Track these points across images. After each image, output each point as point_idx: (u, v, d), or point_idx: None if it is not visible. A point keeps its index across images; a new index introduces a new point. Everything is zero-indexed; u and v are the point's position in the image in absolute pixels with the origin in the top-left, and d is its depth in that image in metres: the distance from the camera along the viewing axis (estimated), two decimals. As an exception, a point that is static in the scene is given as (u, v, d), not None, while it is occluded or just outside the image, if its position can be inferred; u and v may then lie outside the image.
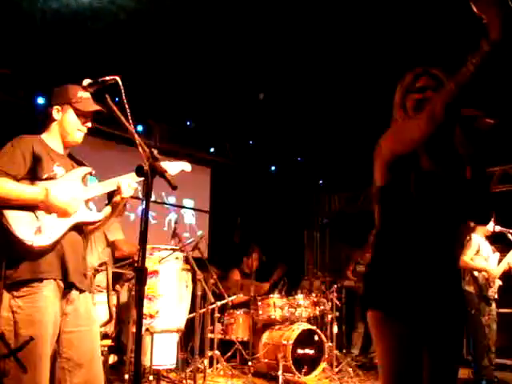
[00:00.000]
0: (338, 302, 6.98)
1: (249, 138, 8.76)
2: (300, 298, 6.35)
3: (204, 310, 5.58)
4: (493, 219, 6.20)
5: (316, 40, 5.82)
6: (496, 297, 6.23)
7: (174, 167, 2.80)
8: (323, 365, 5.97)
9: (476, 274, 6.09)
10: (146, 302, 4.42)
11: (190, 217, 8.30)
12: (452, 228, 1.98)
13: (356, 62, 6.03)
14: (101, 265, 4.37)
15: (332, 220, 9.96)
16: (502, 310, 6.89)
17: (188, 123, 7.98)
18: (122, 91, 2.01)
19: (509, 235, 6.13)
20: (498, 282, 6.25)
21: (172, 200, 8.07)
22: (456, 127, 1.96)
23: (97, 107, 2.61)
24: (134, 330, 4.28)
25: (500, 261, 6.28)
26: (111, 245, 4.96)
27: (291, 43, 5.93)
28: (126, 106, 2.00)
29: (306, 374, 5.73)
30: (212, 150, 8.50)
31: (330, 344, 6.38)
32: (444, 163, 1.96)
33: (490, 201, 2.04)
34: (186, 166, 2.89)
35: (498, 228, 6.23)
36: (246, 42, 5.96)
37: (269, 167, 9.16)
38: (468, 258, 5.93)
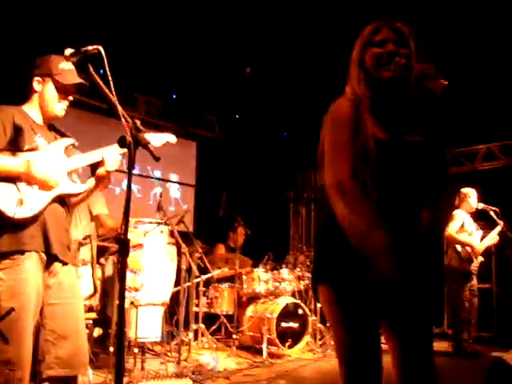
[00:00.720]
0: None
1: (235, 113, 8.70)
2: (284, 272, 6.40)
3: (189, 283, 5.60)
4: (477, 196, 6.28)
5: (301, 13, 5.77)
6: (476, 272, 6.33)
7: (158, 139, 2.77)
8: (307, 338, 6.05)
9: (459, 248, 6.17)
10: (130, 275, 4.43)
11: (175, 191, 8.27)
12: (409, 198, 1.84)
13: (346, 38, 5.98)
14: (85, 238, 4.34)
15: (317, 195, 10.00)
16: (480, 285, 7.01)
17: (174, 96, 7.89)
18: (106, 62, 1.97)
19: (491, 213, 6.19)
20: (480, 258, 6.34)
21: (157, 174, 8.03)
22: (409, 88, 1.86)
23: (78, 80, 2.56)
24: (117, 302, 4.29)
25: (483, 238, 6.37)
26: (95, 219, 4.93)
27: (277, 17, 5.87)
28: (110, 77, 1.95)
29: (290, 347, 5.80)
30: (198, 124, 8.43)
31: (314, 318, 6.46)
32: (395, 128, 1.83)
33: (445, 164, 1.94)
34: (170, 138, 2.86)
35: (481, 205, 6.30)
36: (233, 16, 5.88)
37: (255, 142, 9.12)
38: (453, 231, 5.99)
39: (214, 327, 6.27)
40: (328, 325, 1.99)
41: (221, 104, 8.20)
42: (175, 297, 5.19)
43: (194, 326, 5.61)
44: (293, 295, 6.48)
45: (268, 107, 8.15)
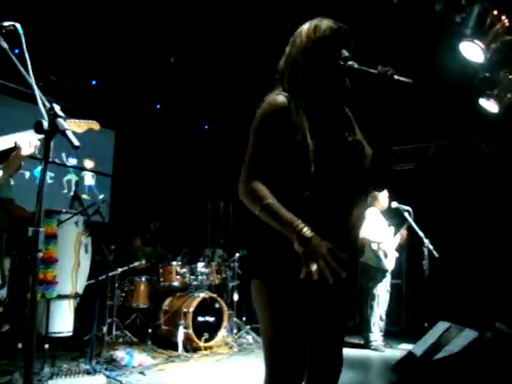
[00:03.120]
0: (239, 271, 7.06)
1: (156, 102, 8.53)
2: (201, 266, 6.36)
3: (104, 276, 5.42)
4: (388, 196, 6.53)
5: (226, 6, 5.74)
6: (392, 269, 6.58)
7: (80, 126, 2.64)
8: (223, 332, 6.04)
9: (374, 247, 6.38)
10: (42, 266, 4.21)
11: (91, 180, 7.99)
12: (344, 195, 1.86)
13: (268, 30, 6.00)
14: (-8, 227, 4.08)
15: (237, 189, 10.02)
16: (392, 281, 7.30)
17: (93, 83, 7.60)
18: (23, 40, 1.84)
19: (404, 212, 6.43)
20: (395, 254, 6.59)
21: (73, 162, 7.70)
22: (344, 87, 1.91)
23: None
24: (28, 295, 4.07)
25: (395, 234, 6.64)
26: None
27: (204, 9, 5.81)
28: (27, 57, 1.83)
29: (207, 341, 5.77)
30: (118, 112, 8.17)
31: (231, 312, 6.47)
32: (331, 128, 1.85)
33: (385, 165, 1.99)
34: (94, 125, 2.74)
35: (394, 204, 6.53)
36: (159, 5, 5.76)
37: (176, 133, 8.99)
38: (365, 231, 6.18)
39: (129, 321, 6.12)
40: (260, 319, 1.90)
41: (142, 93, 8.00)
42: (89, 290, 5.01)
43: (108, 320, 5.44)
44: (210, 289, 6.45)
45: (191, 99, 8.05)
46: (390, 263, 6.47)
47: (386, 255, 6.41)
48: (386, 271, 6.43)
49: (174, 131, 8.81)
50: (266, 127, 1.85)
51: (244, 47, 6.45)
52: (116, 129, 8.29)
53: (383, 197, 6.50)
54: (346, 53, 1.87)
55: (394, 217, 6.85)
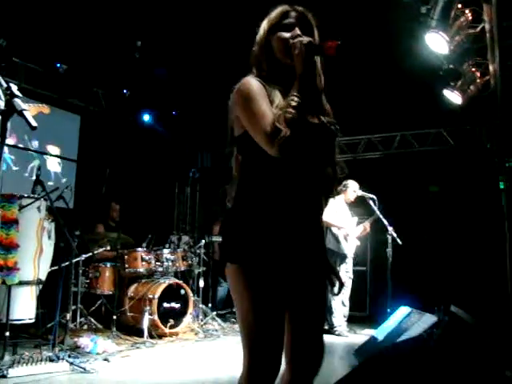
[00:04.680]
0: (205, 257, 7.07)
1: (123, 87, 8.40)
2: (167, 252, 6.34)
3: (67, 262, 5.35)
4: (357, 183, 6.62)
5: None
6: (352, 255, 6.68)
7: (30, 109, 2.58)
8: (189, 318, 6.05)
9: (335, 231, 6.47)
10: (2, 252, 4.13)
11: (55, 165, 7.83)
12: (317, 180, 1.88)
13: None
14: None
15: (203, 176, 9.99)
16: (356, 268, 7.41)
17: (58, 66, 7.43)
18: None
19: (369, 200, 6.54)
20: (356, 242, 6.69)
21: (36, 145, 7.53)
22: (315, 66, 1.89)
23: None
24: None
25: (359, 224, 6.76)
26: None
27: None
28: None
29: (172, 327, 5.77)
30: (83, 96, 8.02)
31: (197, 298, 6.48)
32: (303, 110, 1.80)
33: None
34: (44, 108, 2.67)
35: (360, 192, 6.64)
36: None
37: (142, 119, 8.89)
38: (327, 216, 6.26)
39: (93, 308, 6.07)
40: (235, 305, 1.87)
41: (108, 78, 7.87)
42: (52, 276, 4.94)
43: (72, 307, 5.39)
44: (175, 276, 6.44)
45: (158, 84, 7.96)
46: (349, 249, 6.56)
47: (346, 239, 6.51)
48: (345, 256, 6.52)
49: (140, 116, 8.72)
50: (255, 91, 1.82)
51: (211, 30, 6.39)
52: (81, 113, 8.15)
53: (352, 190, 6.59)
54: (297, 31, 1.86)
55: (359, 206, 6.97)
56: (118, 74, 7.71)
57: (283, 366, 1.86)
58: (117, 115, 8.38)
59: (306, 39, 1.80)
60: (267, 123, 1.72)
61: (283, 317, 1.82)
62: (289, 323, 1.87)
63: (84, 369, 4.09)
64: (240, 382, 1.81)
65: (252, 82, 1.85)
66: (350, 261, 6.64)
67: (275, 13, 1.94)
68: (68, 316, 5.04)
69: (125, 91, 8.43)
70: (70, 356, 4.32)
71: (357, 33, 6.06)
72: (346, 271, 6.54)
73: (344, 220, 6.56)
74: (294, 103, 1.73)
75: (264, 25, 1.95)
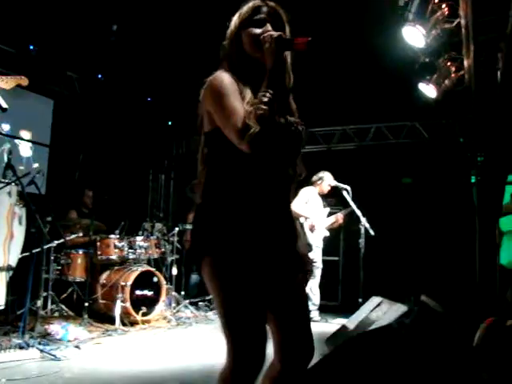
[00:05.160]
0: (178, 245, 7.06)
1: (98, 72, 8.27)
2: (140, 239, 6.31)
3: (39, 249, 5.28)
4: (331, 176, 6.67)
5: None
6: (320, 246, 6.73)
7: (8, 82, 2.51)
8: (161, 306, 6.05)
9: (302, 221, 6.52)
10: (-28, 238, 4.07)
11: (27, 149, 7.67)
12: (283, 175, 1.90)
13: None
14: None
15: (178, 163, 9.94)
16: (329, 258, 7.48)
17: (31, 48, 7.27)
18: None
19: (343, 191, 6.59)
20: (325, 233, 6.75)
21: (7, 129, 7.37)
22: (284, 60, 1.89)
23: None
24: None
25: (331, 214, 6.82)
26: None
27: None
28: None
29: (145, 314, 5.76)
30: (57, 80, 7.87)
31: (169, 286, 6.47)
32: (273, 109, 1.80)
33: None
34: (22, 80, 2.61)
35: (333, 183, 6.68)
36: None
37: (117, 105, 8.77)
38: (294, 205, 6.30)
39: (65, 295, 6.01)
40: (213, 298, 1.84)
41: (83, 62, 7.73)
42: (23, 262, 4.87)
43: (43, 294, 5.33)
44: (148, 263, 6.42)
45: (134, 70, 7.86)
46: (315, 239, 6.61)
47: (311, 230, 6.56)
48: (311, 245, 6.58)
49: (115, 102, 8.59)
50: (227, 86, 1.81)
51: (188, 17, 6.33)
52: (55, 98, 8.00)
53: (326, 183, 6.62)
54: (269, 27, 1.86)
55: (333, 197, 7.03)
56: (93, 58, 7.59)
57: (271, 357, 1.86)
58: (91, 100, 8.26)
59: (275, 33, 1.80)
60: (238, 119, 1.73)
61: (264, 307, 1.81)
62: (274, 315, 1.88)
63: (54, 356, 4.06)
64: (223, 373, 1.79)
65: (224, 77, 1.84)
66: (317, 250, 6.69)
67: (246, 8, 1.92)
68: (39, 303, 4.99)
69: (99, 76, 8.31)
70: (40, 343, 4.28)
71: (334, 24, 6.08)
72: (313, 261, 6.61)
73: (313, 211, 6.60)
74: (264, 99, 1.73)
75: (235, 19, 1.94)
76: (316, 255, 6.68)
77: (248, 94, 1.82)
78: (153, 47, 7.18)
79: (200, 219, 1.90)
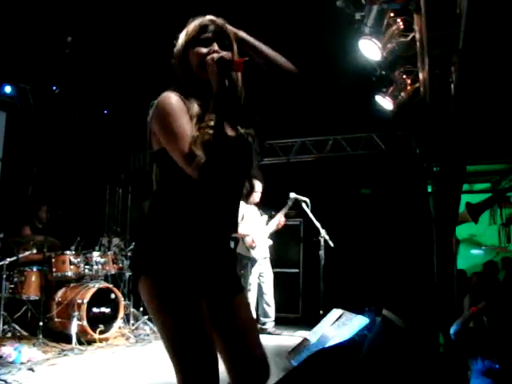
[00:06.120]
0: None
1: (52, 84, 8.08)
2: (97, 255, 6.17)
3: (-10, 267, 5.09)
4: (261, 184, 6.58)
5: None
6: (267, 256, 6.71)
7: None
8: (119, 323, 5.91)
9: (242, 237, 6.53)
10: None
11: (-22, 164, 7.44)
12: (235, 191, 1.90)
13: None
14: None
15: (135, 177, 9.81)
16: (289, 270, 7.47)
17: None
18: None
19: (302, 203, 6.58)
20: (269, 242, 6.73)
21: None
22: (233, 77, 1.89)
23: None
24: None
25: (270, 220, 6.80)
26: None
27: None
28: None
29: (102, 332, 5.61)
30: (9, 91, 7.64)
31: (128, 302, 6.33)
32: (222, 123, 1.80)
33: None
34: None
35: (293, 195, 6.67)
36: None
37: (73, 117, 8.58)
38: None
39: (18, 314, 5.79)
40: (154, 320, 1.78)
41: (37, 73, 7.55)
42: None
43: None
44: (105, 279, 6.27)
45: (90, 82, 7.72)
46: (258, 252, 6.58)
47: (252, 247, 6.52)
48: (255, 260, 6.55)
49: (70, 114, 8.41)
50: (174, 109, 1.76)
51: (142, 29, 6.26)
52: (7, 110, 7.78)
53: (258, 191, 6.52)
54: (215, 46, 1.84)
55: (293, 209, 7.02)
56: (48, 69, 7.42)
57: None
58: (46, 113, 8.06)
59: (216, 56, 1.79)
60: (185, 145, 1.69)
61: (209, 329, 1.75)
62: (220, 336, 1.84)
63: (5, 381, 3.89)
64: None
65: (172, 99, 1.79)
66: (264, 262, 6.67)
67: (193, 26, 1.89)
68: (-10, 323, 4.79)
69: (54, 88, 8.12)
70: (-10, 366, 4.10)
71: (291, 37, 6.11)
72: (260, 274, 6.60)
73: (249, 226, 6.52)
74: (211, 123, 1.71)
75: (182, 37, 1.91)
76: (265, 267, 6.66)
77: (196, 112, 1.78)
78: (108, 59, 7.07)
79: (142, 236, 1.86)
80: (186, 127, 1.73)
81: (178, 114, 1.75)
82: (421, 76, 5.63)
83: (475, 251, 8.82)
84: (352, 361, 2.50)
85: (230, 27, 1.92)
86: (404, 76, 5.88)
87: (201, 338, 1.71)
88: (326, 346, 4.08)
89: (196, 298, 1.73)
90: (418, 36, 4.91)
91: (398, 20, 5.00)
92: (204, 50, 1.84)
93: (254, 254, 6.52)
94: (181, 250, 1.75)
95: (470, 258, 8.49)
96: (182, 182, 1.77)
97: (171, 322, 1.71)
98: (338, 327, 4.54)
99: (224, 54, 1.80)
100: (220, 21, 1.90)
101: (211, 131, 1.68)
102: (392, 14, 5.01)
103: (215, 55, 1.79)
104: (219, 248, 1.87)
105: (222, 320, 1.86)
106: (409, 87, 5.96)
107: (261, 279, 6.65)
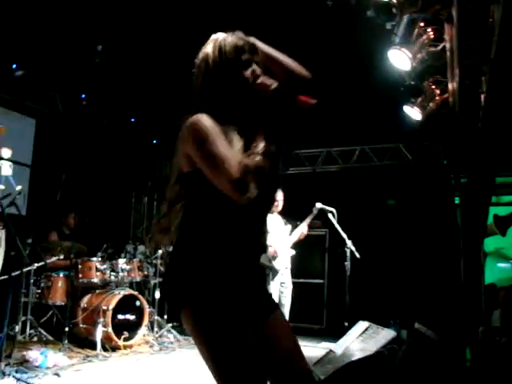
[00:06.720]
0: (161, 268, 6.94)
1: (81, 92, 8.19)
2: (122, 262, 6.20)
3: (18, 271, 5.14)
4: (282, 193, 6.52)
5: None
6: (288, 266, 6.63)
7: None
8: (144, 330, 5.92)
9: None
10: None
11: (7, 169, 7.53)
12: (266, 208, 1.86)
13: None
14: None
15: (161, 185, 9.86)
16: (313, 281, 7.40)
17: (14, 67, 7.17)
18: None
19: (328, 214, 6.53)
20: (292, 252, 6.65)
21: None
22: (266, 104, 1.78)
23: None
24: None
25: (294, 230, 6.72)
26: None
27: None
28: None
29: (126, 339, 5.62)
30: (40, 99, 7.76)
31: (152, 310, 6.34)
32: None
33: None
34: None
35: (319, 205, 6.60)
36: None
37: (101, 125, 8.68)
38: None
39: (44, 319, 5.84)
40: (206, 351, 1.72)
41: (66, 81, 7.66)
42: (2, 286, 4.73)
43: (22, 318, 5.17)
44: (131, 286, 6.30)
45: (118, 91, 7.81)
46: (281, 263, 6.50)
47: (274, 258, 6.45)
48: (276, 270, 6.47)
49: (98, 122, 8.51)
50: (212, 132, 1.67)
51: (171, 38, 6.31)
52: (37, 117, 7.90)
53: (280, 200, 6.46)
54: (257, 69, 1.78)
55: (318, 218, 6.96)
56: (77, 77, 7.52)
57: None
58: (74, 120, 8.16)
59: (274, 84, 1.73)
60: (233, 171, 1.59)
61: (257, 353, 1.70)
62: (269, 358, 1.79)
63: (32, 385, 3.92)
64: None
65: (207, 122, 1.69)
66: (286, 272, 6.60)
67: (229, 47, 1.78)
68: (17, 328, 4.84)
69: (83, 96, 8.23)
70: (17, 371, 4.13)
71: (320, 46, 6.10)
72: (281, 284, 6.53)
73: (273, 237, 6.45)
74: (259, 150, 1.66)
75: (214, 57, 1.79)
76: (286, 277, 6.59)
77: (235, 138, 1.71)
78: (137, 67, 7.14)
79: (176, 267, 1.76)
80: (229, 153, 1.64)
81: (216, 137, 1.66)
82: (450, 86, 5.56)
83: (502, 264, 8.65)
84: (381, 374, 2.46)
85: (257, 42, 1.86)
86: (433, 86, 5.81)
87: (250, 366, 1.64)
88: (353, 359, 4.02)
89: (244, 323, 1.67)
90: (448, 46, 4.85)
91: (429, 30, 4.95)
92: (248, 73, 1.77)
93: (275, 264, 6.46)
94: (223, 275, 1.68)
95: (496, 271, 8.32)
96: (219, 204, 1.70)
97: (224, 351, 1.64)
98: (365, 340, 4.47)
99: (273, 82, 1.74)
100: (251, 38, 1.84)
101: (261, 158, 1.63)
102: (422, 24, 4.97)
103: (269, 82, 1.74)
104: (254, 267, 1.83)
105: (266, 340, 1.81)
106: (438, 97, 5.88)
107: (281, 289, 6.59)
